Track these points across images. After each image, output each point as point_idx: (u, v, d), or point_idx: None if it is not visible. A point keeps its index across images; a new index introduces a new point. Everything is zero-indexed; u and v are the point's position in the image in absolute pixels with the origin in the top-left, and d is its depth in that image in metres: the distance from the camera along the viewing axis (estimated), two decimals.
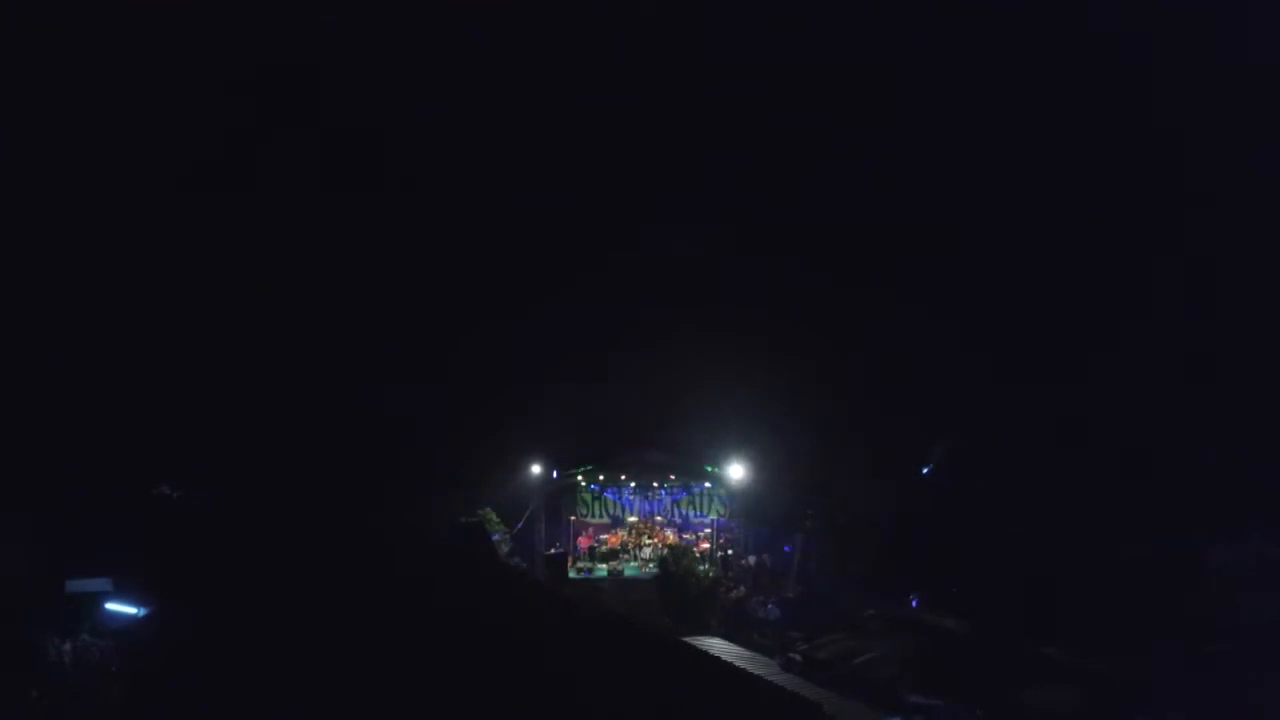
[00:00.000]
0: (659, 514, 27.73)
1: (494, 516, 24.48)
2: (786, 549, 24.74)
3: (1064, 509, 21.10)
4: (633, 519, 27.63)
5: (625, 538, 27.23)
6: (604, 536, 27.32)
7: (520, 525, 25.60)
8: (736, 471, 24.89)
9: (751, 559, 25.55)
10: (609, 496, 27.66)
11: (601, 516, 27.74)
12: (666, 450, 27.27)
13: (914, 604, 19.21)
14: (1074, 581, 19.23)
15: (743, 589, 23.38)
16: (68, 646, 19.43)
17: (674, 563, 23.23)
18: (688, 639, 16.95)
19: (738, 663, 15.62)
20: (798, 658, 16.07)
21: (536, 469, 26.49)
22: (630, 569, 26.12)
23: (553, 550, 25.33)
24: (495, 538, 22.90)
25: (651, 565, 25.66)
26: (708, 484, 27.20)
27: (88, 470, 29.22)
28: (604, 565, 26.23)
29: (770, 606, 22.23)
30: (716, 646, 16.70)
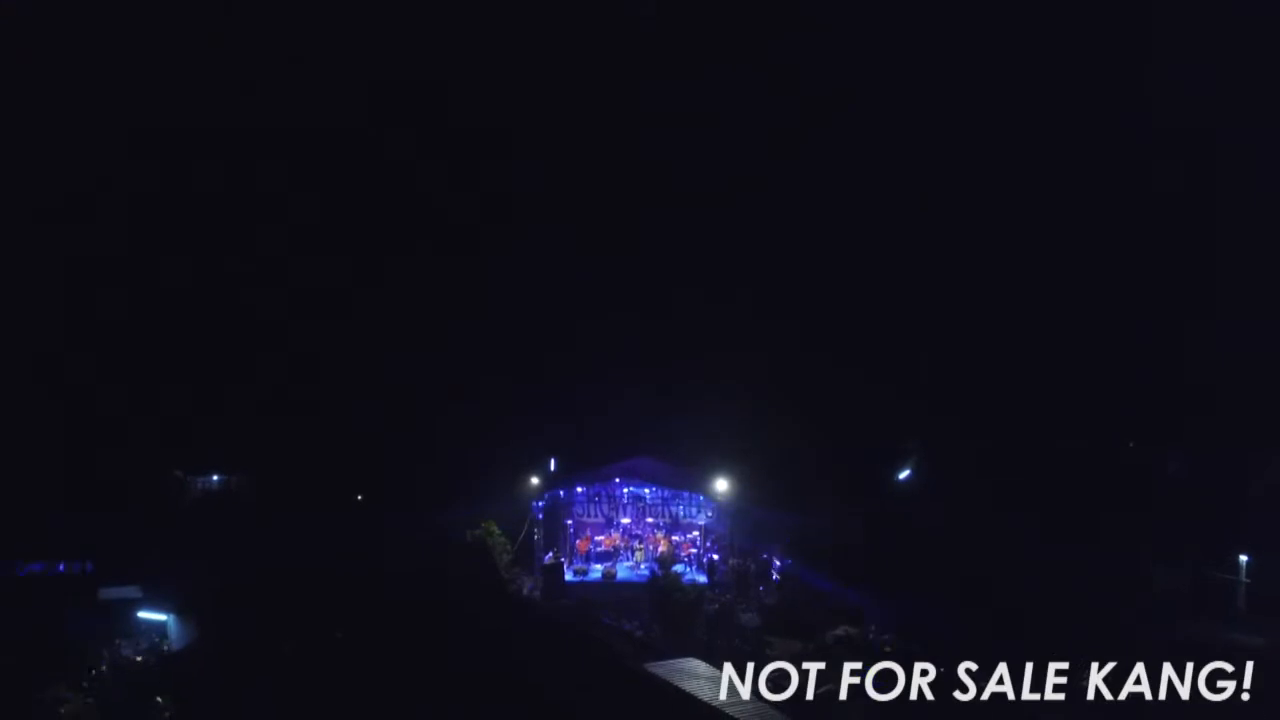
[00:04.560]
0: (650, 517, 29.53)
1: (495, 529, 26.24)
2: (764, 555, 26.50)
3: (1016, 525, 22.75)
4: (625, 520, 29.49)
5: (619, 539, 29.10)
6: (599, 538, 29.19)
7: (520, 538, 27.36)
8: (721, 485, 26.57)
9: (734, 562, 27.32)
10: (604, 499, 29.49)
11: (596, 518, 29.62)
12: (659, 458, 29.01)
13: (878, 620, 20.93)
14: (1021, 599, 20.92)
15: (728, 597, 25.13)
16: (104, 653, 21.27)
17: (664, 574, 24.95)
18: (666, 662, 18.64)
19: (712, 686, 17.33)
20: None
21: (535, 480, 28.14)
22: (624, 570, 27.95)
23: (548, 559, 27.09)
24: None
25: (643, 567, 27.56)
26: (701, 497, 28.83)
27: (103, 458, 31.02)
28: (599, 566, 28.09)
29: (750, 614, 24.06)
30: (692, 669, 18.31)
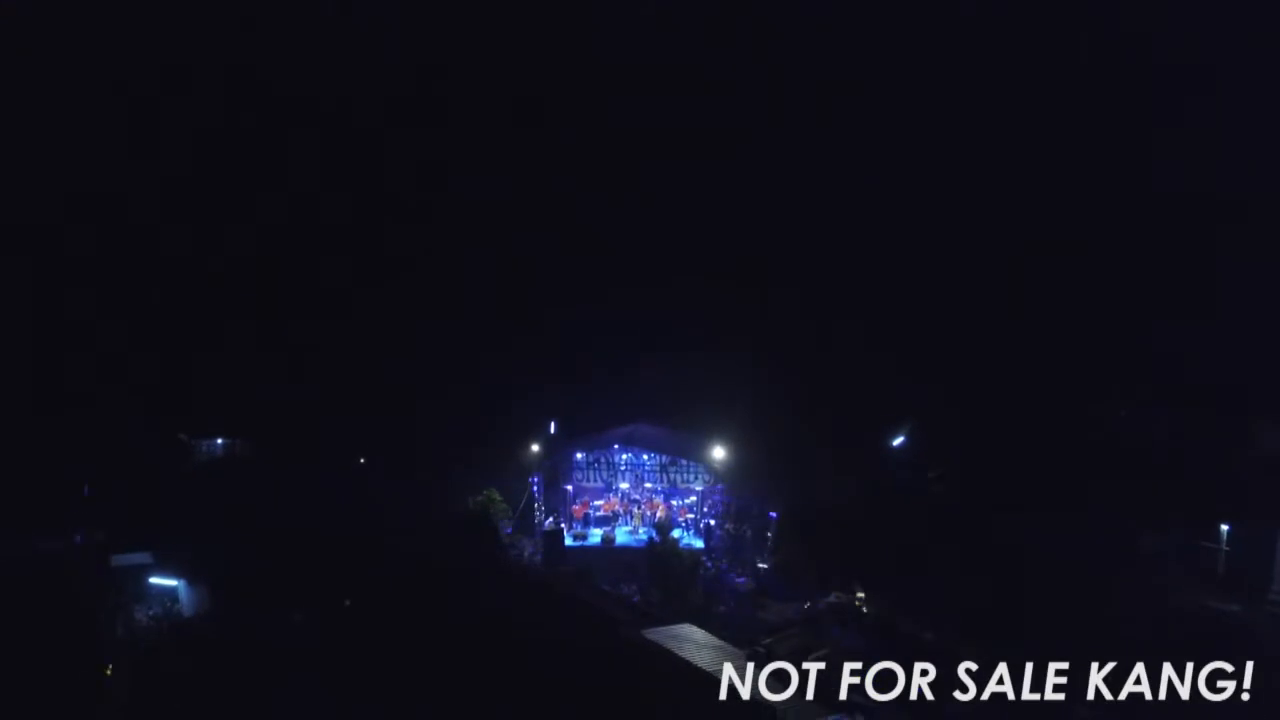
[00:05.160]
0: (648, 482, 30.09)
1: (497, 496, 26.77)
2: (758, 519, 27.10)
3: (1007, 495, 23.23)
4: (624, 485, 30.07)
5: (618, 504, 29.69)
6: (598, 503, 29.77)
7: (521, 505, 27.91)
8: (719, 452, 27.07)
9: (729, 527, 27.93)
10: (602, 465, 30.04)
11: (595, 483, 30.19)
12: (658, 424, 29.50)
13: (865, 593, 21.47)
14: (1013, 569, 21.45)
15: (723, 562, 25.80)
16: (118, 618, 21.87)
17: (661, 539, 25.56)
18: (663, 628, 19.26)
19: (708, 653, 17.96)
20: (762, 650, 18.36)
21: (535, 447, 28.61)
22: (622, 534, 28.55)
23: (548, 525, 27.67)
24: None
25: (641, 532, 28.17)
26: (699, 465, 29.34)
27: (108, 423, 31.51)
28: (598, 531, 28.70)
29: (745, 579, 24.74)
30: (689, 635, 18.92)
